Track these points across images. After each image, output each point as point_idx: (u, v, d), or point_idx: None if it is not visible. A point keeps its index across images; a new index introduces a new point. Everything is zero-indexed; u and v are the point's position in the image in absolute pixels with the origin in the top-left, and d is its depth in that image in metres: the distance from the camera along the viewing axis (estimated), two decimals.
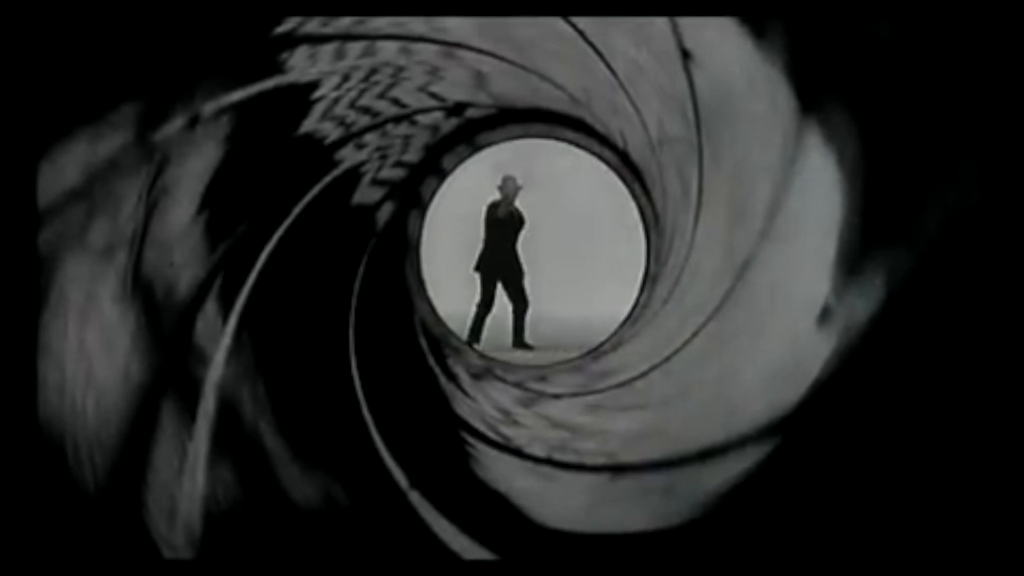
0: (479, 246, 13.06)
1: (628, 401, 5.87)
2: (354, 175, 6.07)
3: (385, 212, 7.12)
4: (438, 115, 7.13)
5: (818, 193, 3.37)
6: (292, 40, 3.88)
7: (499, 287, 12.99)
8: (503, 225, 12.92)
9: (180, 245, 3.65)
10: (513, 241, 13.00)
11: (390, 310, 7.18)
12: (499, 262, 12.91)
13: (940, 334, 2.85)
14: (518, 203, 13.05)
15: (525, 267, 13.03)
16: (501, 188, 12.94)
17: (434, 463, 4.82)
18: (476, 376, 7.78)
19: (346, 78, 4.92)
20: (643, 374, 5.95)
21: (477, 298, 12.92)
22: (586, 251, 17.33)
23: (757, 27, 3.33)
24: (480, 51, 5.54)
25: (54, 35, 2.37)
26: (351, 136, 5.55)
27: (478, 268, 13.05)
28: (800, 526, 3.25)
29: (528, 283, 13.03)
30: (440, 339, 8.22)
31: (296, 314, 4.84)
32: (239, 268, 4.25)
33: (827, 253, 3.29)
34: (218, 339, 4.07)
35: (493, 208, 13.02)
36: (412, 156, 7.41)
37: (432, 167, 8.18)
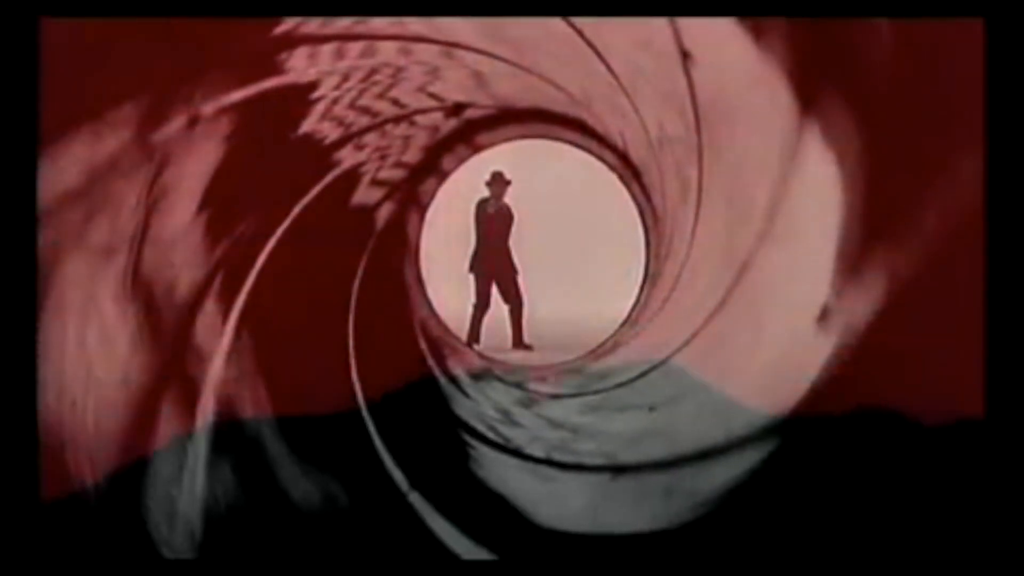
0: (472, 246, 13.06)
1: (628, 401, 5.87)
2: (354, 175, 6.07)
3: (384, 212, 7.12)
4: (437, 115, 7.13)
5: (817, 193, 3.38)
6: (292, 40, 3.88)
7: (494, 286, 12.98)
8: (493, 222, 12.91)
9: (180, 245, 3.65)
10: (504, 238, 12.98)
11: (390, 311, 7.18)
12: (492, 261, 12.89)
13: (939, 335, 2.85)
14: (507, 199, 13.03)
15: (518, 265, 13.01)
16: (489, 184, 12.91)
17: (434, 464, 4.82)
18: (476, 377, 7.78)
19: (345, 78, 4.92)
20: (643, 374, 5.96)
21: (472, 299, 12.90)
22: (586, 251, 17.32)
23: (756, 27, 3.33)
24: (479, 51, 5.54)
25: (54, 35, 2.37)
26: (350, 136, 5.54)
27: (472, 268, 13.03)
28: (799, 526, 3.26)
29: (522, 281, 13.00)
30: (439, 339, 8.22)
31: (296, 314, 4.84)
32: (239, 268, 4.25)
33: (826, 253, 3.30)
34: (218, 339, 4.07)
35: (482, 205, 13.00)
36: (411, 156, 7.41)
37: (431, 167, 8.17)
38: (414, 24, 4.74)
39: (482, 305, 12.94)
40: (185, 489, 3.53)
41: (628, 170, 8.30)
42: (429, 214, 8.83)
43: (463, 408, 6.43)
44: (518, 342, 12.90)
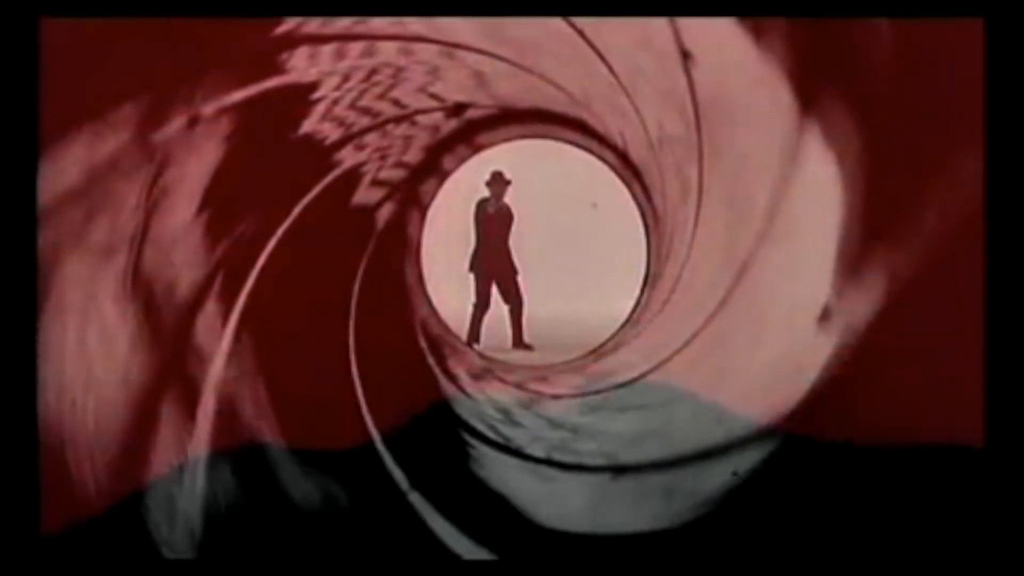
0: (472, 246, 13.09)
1: (629, 402, 5.87)
2: (354, 175, 6.07)
3: (385, 212, 7.12)
4: (438, 115, 7.13)
5: (818, 193, 3.37)
6: (292, 40, 3.88)
7: (494, 286, 13.00)
8: (493, 222, 12.93)
9: (180, 245, 3.65)
10: (504, 238, 13.00)
11: (390, 311, 7.18)
12: (492, 261, 12.91)
13: (939, 335, 2.85)
14: (507, 199, 13.05)
15: (518, 265, 13.03)
16: (489, 184, 12.92)
17: (434, 463, 4.82)
18: (476, 376, 7.78)
19: (346, 78, 4.92)
20: (643, 375, 5.95)
21: (472, 299, 12.92)
22: (586, 251, 17.32)
23: (757, 27, 3.33)
24: (480, 51, 5.54)
25: (54, 35, 2.37)
26: (351, 136, 5.54)
27: (472, 268, 13.05)
28: (799, 526, 3.26)
29: (521, 281, 13.01)
30: (439, 339, 8.22)
31: (296, 314, 4.84)
32: (239, 268, 4.25)
33: (827, 253, 3.30)
34: (218, 339, 4.07)
35: (482, 205, 13.01)
36: (412, 156, 7.41)
37: (432, 168, 8.17)
38: (414, 24, 4.74)
39: (482, 305, 12.94)
40: (185, 489, 3.53)
41: (628, 170, 8.30)
42: (429, 214, 8.82)
43: (463, 408, 6.43)
44: (518, 342, 12.90)
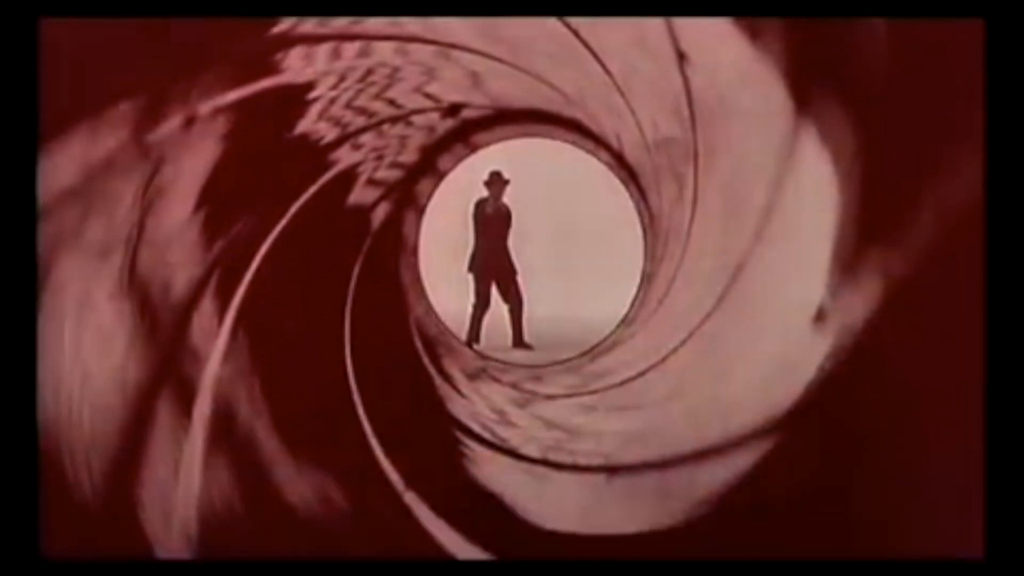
0: (470, 246, 13.10)
1: (624, 401, 5.87)
2: (350, 175, 6.07)
3: (381, 212, 7.12)
4: (434, 115, 7.13)
5: (813, 193, 3.38)
6: (288, 40, 3.88)
7: (493, 286, 13.02)
8: (492, 222, 12.95)
9: (176, 244, 3.65)
10: (503, 238, 13.02)
11: (385, 310, 7.18)
12: (491, 261, 12.93)
13: (935, 335, 2.85)
14: (505, 199, 13.06)
15: (517, 265, 13.05)
16: (488, 184, 12.94)
17: (429, 463, 4.82)
18: (471, 376, 7.78)
19: (342, 78, 4.92)
20: (639, 374, 5.96)
21: (472, 299, 12.93)
22: (582, 251, 17.33)
23: (752, 27, 3.34)
24: (475, 51, 5.54)
25: (53, 35, 2.37)
26: (347, 136, 5.55)
27: (471, 268, 13.07)
28: (797, 526, 3.26)
29: (521, 281, 13.03)
30: (435, 339, 8.22)
31: (292, 314, 4.84)
32: (235, 267, 4.25)
33: (822, 253, 3.30)
34: (214, 338, 4.07)
35: (481, 205, 13.03)
36: (408, 157, 7.41)
37: (428, 168, 8.17)
38: (410, 24, 4.75)
39: (482, 305, 12.96)
40: (181, 489, 3.53)
41: (624, 170, 8.30)
42: (428, 214, 8.83)
43: (458, 408, 6.43)
44: (518, 341, 12.92)
